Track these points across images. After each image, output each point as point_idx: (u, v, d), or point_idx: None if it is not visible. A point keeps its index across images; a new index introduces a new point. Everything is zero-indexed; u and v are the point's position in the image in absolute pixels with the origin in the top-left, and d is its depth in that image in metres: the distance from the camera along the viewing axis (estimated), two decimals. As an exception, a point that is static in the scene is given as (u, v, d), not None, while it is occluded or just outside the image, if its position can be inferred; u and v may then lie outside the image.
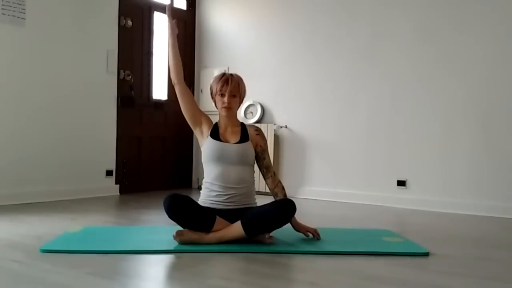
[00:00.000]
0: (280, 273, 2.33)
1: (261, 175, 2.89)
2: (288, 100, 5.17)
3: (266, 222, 2.63)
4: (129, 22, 5.06)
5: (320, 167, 4.97)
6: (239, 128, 2.85)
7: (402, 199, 4.51)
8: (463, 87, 4.29)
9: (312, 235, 2.80)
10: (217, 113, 2.85)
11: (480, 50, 4.22)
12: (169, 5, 2.80)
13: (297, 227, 2.81)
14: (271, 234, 2.71)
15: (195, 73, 5.82)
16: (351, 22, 4.84)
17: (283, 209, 2.66)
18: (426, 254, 2.58)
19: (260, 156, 2.86)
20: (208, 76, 5.66)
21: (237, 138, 2.81)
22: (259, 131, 2.90)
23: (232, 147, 2.77)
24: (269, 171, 2.87)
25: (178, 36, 2.87)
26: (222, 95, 2.78)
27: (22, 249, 2.54)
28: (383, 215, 4.04)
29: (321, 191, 4.65)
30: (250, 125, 2.92)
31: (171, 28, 2.86)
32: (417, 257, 2.55)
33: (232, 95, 2.78)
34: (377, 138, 4.68)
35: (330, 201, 4.63)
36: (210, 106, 5.71)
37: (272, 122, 5.15)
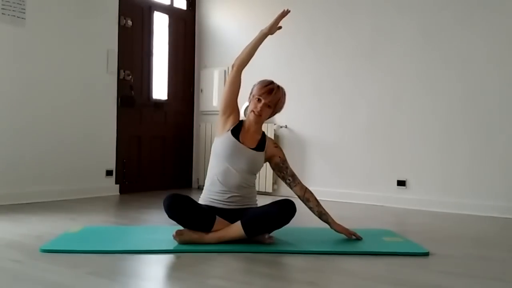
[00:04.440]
0: (280, 273, 2.34)
1: (257, 181, 2.88)
2: (288, 100, 5.15)
3: (266, 223, 2.63)
4: (129, 22, 5.05)
5: (320, 167, 4.97)
6: (259, 137, 2.84)
7: (402, 199, 4.51)
8: (464, 87, 4.29)
9: (354, 237, 2.83)
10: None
11: (482, 50, 4.21)
12: (287, 10, 2.81)
13: (339, 229, 2.83)
14: (271, 234, 2.71)
15: (195, 73, 5.81)
16: (351, 21, 4.83)
17: (283, 209, 2.66)
18: (426, 254, 2.58)
19: (282, 166, 2.86)
20: (208, 76, 5.66)
21: (254, 145, 2.79)
22: (277, 144, 2.93)
23: (246, 151, 2.76)
24: (295, 179, 2.86)
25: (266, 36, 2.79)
26: (259, 100, 2.77)
27: (22, 249, 2.54)
28: (383, 215, 4.04)
29: (321, 191, 4.62)
30: (269, 138, 2.93)
31: (271, 28, 2.80)
32: (417, 257, 2.55)
33: (267, 105, 2.78)
34: (377, 138, 4.68)
35: (330, 201, 4.61)
36: (210, 106, 5.78)
37: (272, 122, 5.14)
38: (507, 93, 4.11)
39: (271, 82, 2.83)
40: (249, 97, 2.85)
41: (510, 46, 4.10)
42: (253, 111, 2.78)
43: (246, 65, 2.79)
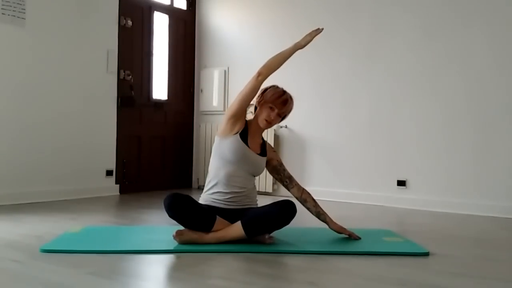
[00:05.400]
0: (280, 273, 2.34)
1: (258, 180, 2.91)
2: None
3: (266, 223, 2.63)
4: (129, 22, 5.05)
5: (320, 167, 4.97)
6: (261, 141, 2.89)
7: (402, 199, 4.51)
8: (464, 86, 4.29)
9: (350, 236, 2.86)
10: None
11: (483, 49, 4.21)
12: (321, 29, 3.02)
13: (337, 228, 2.86)
14: (271, 234, 2.71)
15: (195, 73, 5.81)
16: (352, 20, 4.83)
17: (284, 210, 2.66)
18: (426, 254, 2.58)
19: (280, 169, 2.93)
20: (208, 76, 5.66)
21: (259, 151, 2.84)
22: (274, 148, 3.02)
23: (255, 156, 2.79)
24: (292, 180, 2.92)
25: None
26: (272, 109, 2.78)
27: (22, 249, 2.54)
28: (383, 215, 4.04)
29: (321, 191, 4.64)
30: (267, 142, 2.98)
31: (303, 44, 2.91)
32: (417, 257, 2.55)
33: (279, 115, 2.82)
34: (378, 138, 4.68)
35: (330, 201, 4.62)
36: (210, 106, 5.78)
37: (272, 122, 5.14)
38: (508, 93, 4.11)
39: (284, 91, 2.86)
40: (259, 100, 2.83)
41: None
42: (266, 120, 2.79)
43: (270, 75, 2.76)
